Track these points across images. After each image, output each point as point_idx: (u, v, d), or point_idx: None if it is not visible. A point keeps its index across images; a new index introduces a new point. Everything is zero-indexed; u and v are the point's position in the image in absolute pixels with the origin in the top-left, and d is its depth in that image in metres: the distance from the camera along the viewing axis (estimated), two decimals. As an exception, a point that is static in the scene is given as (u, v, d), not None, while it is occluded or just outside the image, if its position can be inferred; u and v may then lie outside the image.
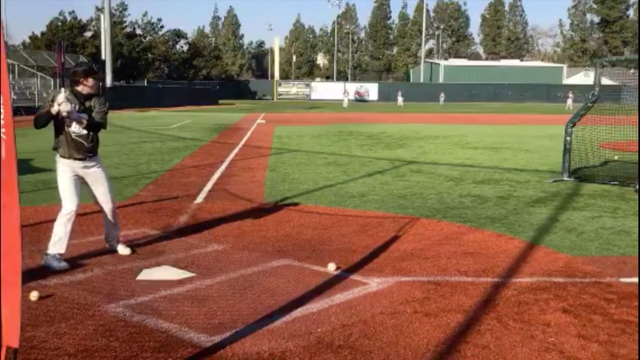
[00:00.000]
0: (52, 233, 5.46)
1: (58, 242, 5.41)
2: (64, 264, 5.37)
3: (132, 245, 6.09)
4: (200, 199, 9.03)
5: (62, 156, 5.49)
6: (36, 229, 6.72)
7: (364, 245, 6.34)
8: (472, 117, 39.71)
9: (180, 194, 9.41)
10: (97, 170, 5.68)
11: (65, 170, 5.50)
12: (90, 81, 5.43)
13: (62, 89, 5.35)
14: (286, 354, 3.67)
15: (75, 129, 5.43)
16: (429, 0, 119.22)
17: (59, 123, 5.43)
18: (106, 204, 5.76)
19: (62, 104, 5.21)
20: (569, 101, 58.59)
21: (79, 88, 5.42)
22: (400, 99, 67.97)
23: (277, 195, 9.41)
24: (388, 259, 5.83)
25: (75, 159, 5.49)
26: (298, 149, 16.86)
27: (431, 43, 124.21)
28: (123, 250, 5.88)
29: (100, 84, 5.52)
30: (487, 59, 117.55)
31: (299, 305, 4.51)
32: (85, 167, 5.57)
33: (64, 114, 5.26)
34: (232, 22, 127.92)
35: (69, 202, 5.47)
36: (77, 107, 5.37)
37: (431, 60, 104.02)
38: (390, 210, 8.30)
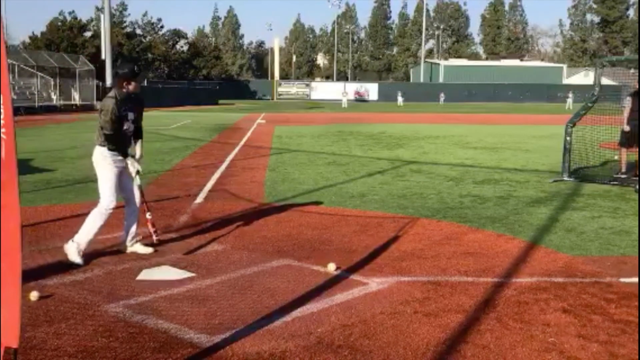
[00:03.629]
0: (84, 224, 5.59)
1: (88, 236, 5.55)
2: (79, 260, 5.46)
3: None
4: (200, 199, 9.02)
5: (111, 149, 5.64)
6: (36, 229, 6.72)
7: (364, 245, 6.34)
8: (472, 117, 39.71)
9: (180, 194, 9.41)
10: (129, 165, 5.87)
11: (111, 165, 5.66)
12: (133, 84, 5.73)
13: (129, 162, 5.75)
14: (286, 354, 3.67)
15: (125, 126, 5.75)
16: (429, 0, 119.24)
17: (120, 126, 5.70)
18: (135, 199, 5.95)
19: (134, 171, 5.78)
20: (569, 101, 58.60)
21: (123, 89, 5.71)
22: (400, 99, 68.08)
23: (277, 195, 9.41)
24: (388, 259, 5.83)
25: (123, 153, 5.73)
26: (298, 149, 16.85)
27: (431, 43, 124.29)
28: (144, 249, 5.94)
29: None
30: (487, 59, 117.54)
31: (299, 305, 4.51)
32: (122, 160, 5.76)
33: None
34: (232, 22, 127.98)
35: (110, 198, 5.64)
36: (124, 108, 5.72)
37: (431, 60, 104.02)
38: (390, 210, 8.30)
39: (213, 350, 3.73)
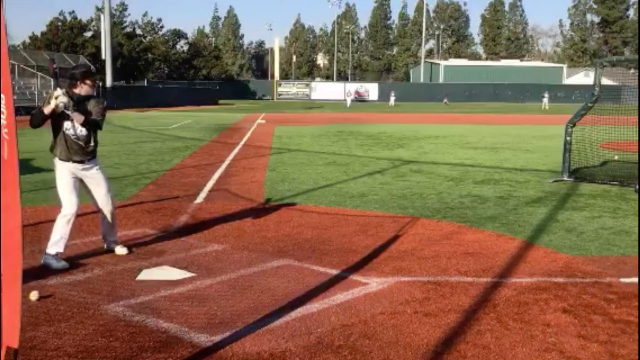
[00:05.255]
0: (51, 233, 5.47)
1: (58, 242, 5.41)
2: (62, 263, 5.37)
3: (132, 245, 6.10)
4: (200, 199, 9.03)
5: (61, 159, 5.48)
6: (36, 229, 6.72)
7: (364, 245, 6.34)
8: (472, 117, 39.71)
9: (180, 194, 9.42)
10: (96, 173, 5.66)
11: (64, 172, 5.49)
12: (88, 83, 5.44)
13: (59, 88, 5.34)
14: (286, 354, 3.67)
15: (71, 130, 5.41)
16: (429, 0, 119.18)
17: (57, 125, 5.42)
18: (106, 206, 5.75)
19: (59, 96, 5.18)
20: (545, 101, 58.54)
21: (77, 90, 5.43)
22: (392, 99, 68.10)
23: (277, 195, 9.42)
24: (388, 259, 5.83)
25: (74, 161, 5.48)
26: (298, 149, 16.86)
27: (431, 43, 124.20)
28: (120, 250, 5.87)
29: (99, 85, 5.50)
30: (487, 59, 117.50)
31: (299, 305, 4.51)
32: (84, 169, 5.57)
33: (61, 106, 5.21)
34: (232, 22, 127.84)
35: (68, 204, 5.47)
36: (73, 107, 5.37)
37: (431, 61, 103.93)
38: (390, 210, 8.30)
39: (213, 350, 3.74)
